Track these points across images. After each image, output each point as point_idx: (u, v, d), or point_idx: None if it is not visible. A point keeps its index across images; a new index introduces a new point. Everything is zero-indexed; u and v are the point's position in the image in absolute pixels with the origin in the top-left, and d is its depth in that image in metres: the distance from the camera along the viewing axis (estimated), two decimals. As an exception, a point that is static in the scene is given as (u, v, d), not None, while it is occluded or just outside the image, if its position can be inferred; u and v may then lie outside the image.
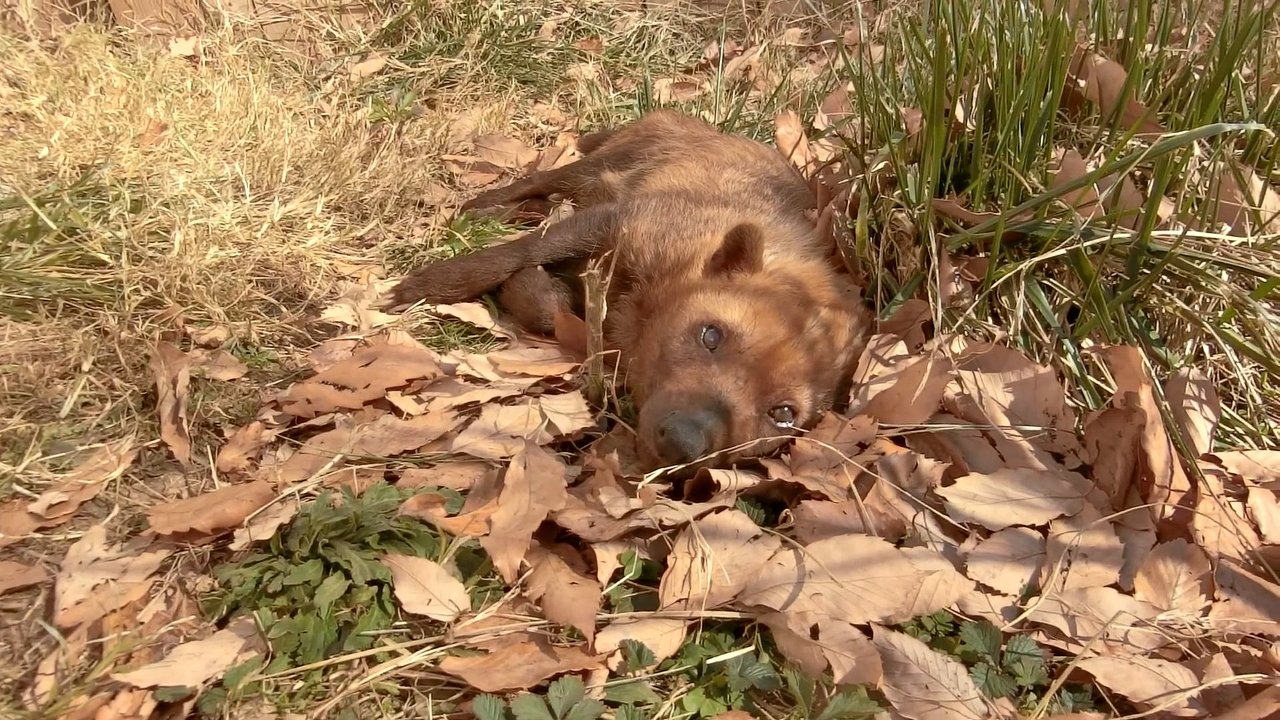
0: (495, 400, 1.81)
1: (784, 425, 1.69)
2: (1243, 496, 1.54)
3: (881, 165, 1.91)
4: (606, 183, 2.65)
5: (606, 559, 1.38)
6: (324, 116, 3.49)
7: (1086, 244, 1.66)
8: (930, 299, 1.73)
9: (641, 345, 1.85)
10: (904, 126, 1.99)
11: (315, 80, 3.97)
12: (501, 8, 4.18)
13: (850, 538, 1.37)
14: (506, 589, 1.36)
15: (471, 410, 1.79)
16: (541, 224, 2.26)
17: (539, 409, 1.73)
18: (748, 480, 1.55)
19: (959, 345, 1.71)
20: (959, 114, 1.88)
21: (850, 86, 3.63)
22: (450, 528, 1.44)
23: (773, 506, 1.54)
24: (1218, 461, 1.57)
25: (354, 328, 2.07)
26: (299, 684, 1.22)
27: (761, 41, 4.44)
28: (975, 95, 1.93)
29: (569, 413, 1.72)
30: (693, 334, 1.73)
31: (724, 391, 1.63)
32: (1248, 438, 1.66)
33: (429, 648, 1.26)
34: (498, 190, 2.98)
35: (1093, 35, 2.23)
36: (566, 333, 2.01)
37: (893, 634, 1.27)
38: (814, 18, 4.64)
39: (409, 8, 4.16)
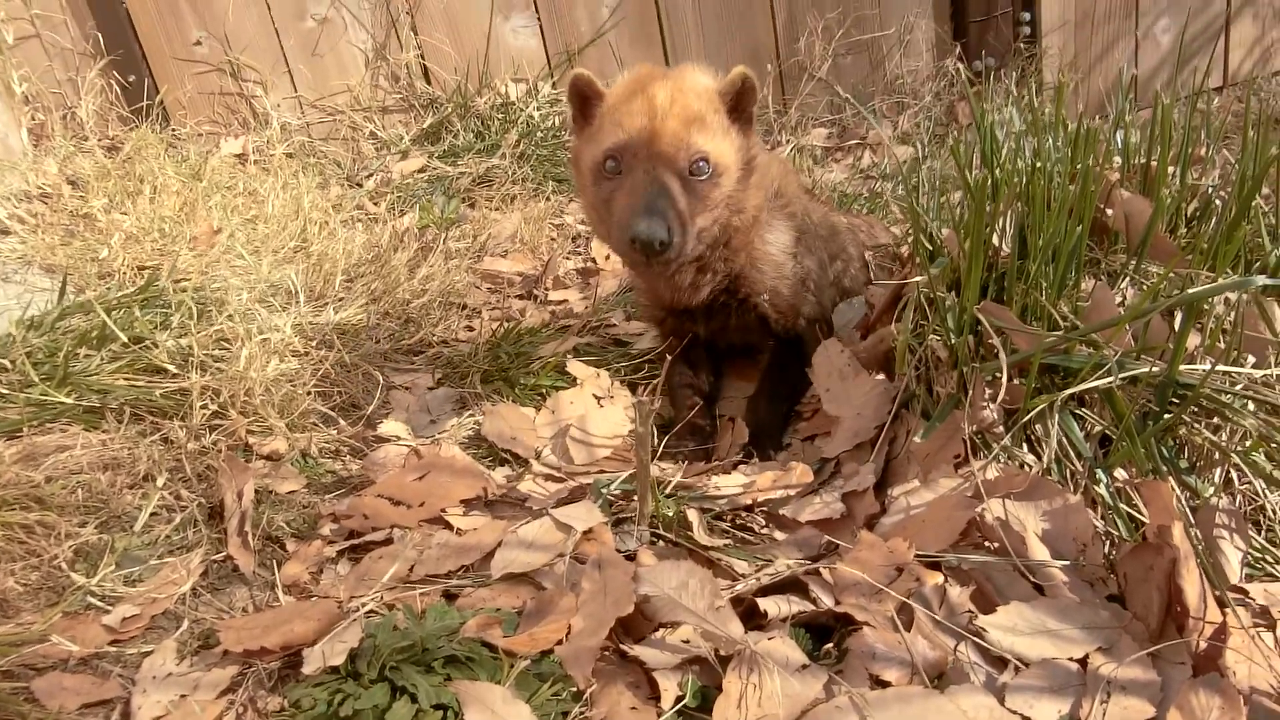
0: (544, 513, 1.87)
1: (703, 180, 2.04)
2: (1271, 626, 1.58)
3: (921, 279, 2.00)
4: None
5: (669, 687, 1.43)
6: (368, 216, 3.62)
7: (1119, 377, 1.72)
8: (965, 425, 1.79)
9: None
10: (945, 252, 2.08)
11: (358, 177, 4.12)
12: (538, 109, 4.34)
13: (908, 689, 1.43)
14: (565, 715, 1.41)
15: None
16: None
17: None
18: (796, 608, 1.60)
19: (993, 472, 1.77)
20: (994, 240, 1.97)
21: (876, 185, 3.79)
22: (511, 648, 1.50)
23: (818, 633, 1.58)
24: (1245, 593, 1.62)
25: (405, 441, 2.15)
26: (370, 808, 1.27)
27: (788, 141, 4.58)
28: (1008, 225, 2.02)
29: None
30: (598, 177, 2.08)
31: (646, 192, 1.95)
32: (1278, 566, 1.70)
33: (496, 774, 1.31)
34: None
35: (1115, 158, 2.33)
36: None
37: (939, 768, 1.31)
38: (839, 118, 4.79)
39: (449, 109, 4.33)
